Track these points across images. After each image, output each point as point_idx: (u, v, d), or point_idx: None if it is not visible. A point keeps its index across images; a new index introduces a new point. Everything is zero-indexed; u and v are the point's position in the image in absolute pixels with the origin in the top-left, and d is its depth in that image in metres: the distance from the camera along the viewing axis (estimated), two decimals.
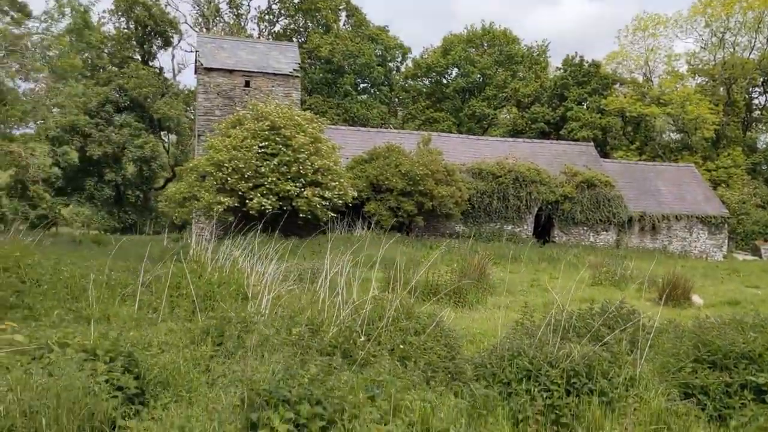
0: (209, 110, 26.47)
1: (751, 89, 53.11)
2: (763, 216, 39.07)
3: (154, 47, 47.63)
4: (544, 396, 5.62)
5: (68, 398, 3.78)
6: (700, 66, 51.70)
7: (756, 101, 55.06)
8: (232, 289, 7.04)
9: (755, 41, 48.10)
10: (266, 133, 22.86)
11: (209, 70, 26.33)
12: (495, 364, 5.96)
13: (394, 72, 57.18)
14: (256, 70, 26.82)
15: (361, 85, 53.80)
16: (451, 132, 43.75)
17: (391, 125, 51.83)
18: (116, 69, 44.68)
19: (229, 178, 22.27)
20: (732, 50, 48.98)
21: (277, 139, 22.87)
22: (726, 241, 32.99)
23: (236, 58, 27.13)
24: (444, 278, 12.41)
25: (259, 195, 22.33)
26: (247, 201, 22.42)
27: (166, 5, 47.54)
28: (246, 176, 22.33)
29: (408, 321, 6.82)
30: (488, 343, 8.24)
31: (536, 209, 29.90)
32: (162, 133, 49.26)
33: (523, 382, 5.75)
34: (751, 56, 48.54)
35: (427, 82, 57.09)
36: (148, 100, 43.24)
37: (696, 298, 13.97)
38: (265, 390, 4.09)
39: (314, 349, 5.40)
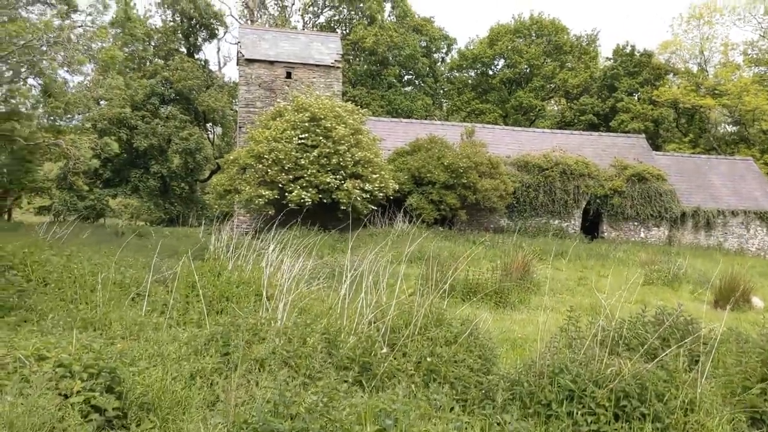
0: (250, 102, 26.27)
1: None
2: None
3: (200, 40, 47.91)
4: (589, 421, 5.01)
5: (29, 425, 3.32)
6: (758, 55, 49.52)
7: None
8: (252, 290, 6.55)
9: None
10: (306, 124, 22.52)
11: (250, 61, 26.12)
12: (533, 383, 5.35)
13: (439, 63, 56.42)
14: (297, 61, 26.50)
15: (406, 77, 53.22)
16: (496, 124, 42.88)
17: (435, 117, 51.09)
18: (162, 62, 45.10)
19: (269, 170, 22.02)
20: None
21: (317, 130, 22.51)
22: None
23: (277, 49, 26.85)
24: (485, 276, 11.81)
25: (298, 187, 22.02)
26: (286, 193, 22.14)
27: None
28: (286, 168, 22.04)
29: (438, 328, 6.26)
30: (529, 350, 7.66)
31: (584, 204, 28.93)
32: (207, 125, 49.63)
33: (564, 404, 5.13)
34: None
35: (472, 74, 56.18)
36: (193, 92, 43.49)
37: (756, 301, 13.09)
38: (251, 423, 3.57)
39: (329, 363, 4.90)
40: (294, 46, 27.22)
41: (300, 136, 22.44)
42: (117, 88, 26.47)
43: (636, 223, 29.11)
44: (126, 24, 27.02)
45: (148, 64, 45.51)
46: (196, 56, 48.20)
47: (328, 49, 27.43)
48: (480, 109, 50.99)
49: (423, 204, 25.18)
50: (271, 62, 26.34)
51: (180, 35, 46.92)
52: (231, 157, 23.93)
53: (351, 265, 11.66)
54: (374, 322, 6.00)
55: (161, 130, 41.32)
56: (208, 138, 48.18)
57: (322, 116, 22.68)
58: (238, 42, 27.23)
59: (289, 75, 26.55)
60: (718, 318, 11.68)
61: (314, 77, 26.66)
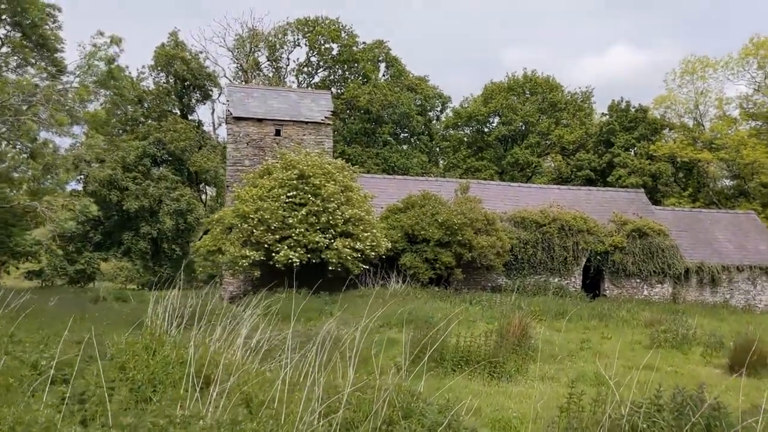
0: (238, 160, 25.65)
1: None
2: None
3: (193, 101, 47.89)
4: None
5: None
6: (753, 109, 49.38)
7: None
8: (195, 370, 5.51)
9: None
10: (294, 182, 21.80)
11: (238, 119, 25.61)
12: None
13: (435, 121, 56.41)
14: (286, 119, 26.00)
15: (401, 135, 53.08)
16: (492, 180, 42.29)
17: (432, 175, 50.66)
18: (155, 123, 44.88)
19: (254, 230, 21.16)
20: None
21: (306, 188, 21.78)
22: None
23: (266, 106, 26.40)
24: (477, 341, 10.79)
25: (286, 247, 21.13)
26: (273, 254, 21.23)
27: (204, 59, 47.87)
28: (272, 228, 21.19)
29: (408, 420, 5.25)
30: None
31: (584, 260, 27.98)
32: (201, 185, 49.14)
33: None
34: None
35: (468, 131, 56.11)
36: (186, 153, 43.12)
37: None
38: None
39: None
40: (283, 104, 26.78)
41: (288, 194, 21.69)
42: (97, 147, 25.89)
43: (638, 280, 28.09)
44: (109, 83, 26.67)
45: (140, 126, 45.29)
46: (190, 117, 48.07)
47: (318, 106, 26.98)
48: (476, 166, 50.64)
49: (417, 263, 24.24)
50: (260, 120, 25.83)
51: (173, 97, 46.86)
52: (216, 217, 23.15)
53: (326, 333, 10.65)
54: (325, 416, 4.93)
55: (152, 191, 40.73)
56: (201, 199, 47.53)
57: (311, 173, 21.98)
58: (226, 100, 26.80)
59: (278, 132, 26.00)
60: (735, 387, 10.62)
61: (304, 134, 26.11)
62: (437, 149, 56.32)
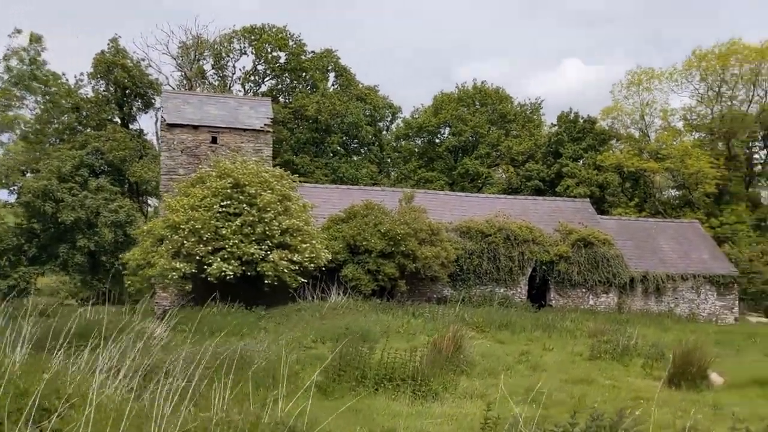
0: (172, 169, 24.56)
1: (751, 143, 51.53)
2: None
3: (134, 109, 46.29)
4: None
5: None
6: (697, 120, 50.25)
7: (757, 156, 53.46)
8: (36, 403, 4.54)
9: (753, 94, 46.71)
10: (228, 191, 20.85)
11: (172, 126, 24.54)
12: None
13: (385, 132, 55.90)
14: (223, 126, 25.03)
15: (352, 146, 52.39)
16: (441, 190, 41.85)
17: (382, 185, 50.08)
18: (94, 132, 43.18)
19: (185, 242, 20.11)
20: (729, 104, 47.58)
21: (241, 197, 20.85)
22: (737, 302, 30.52)
23: (203, 113, 25.39)
24: (403, 358, 10.03)
25: (219, 260, 20.13)
26: (205, 267, 20.21)
27: (146, 67, 46.37)
28: (205, 239, 20.18)
29: None
30: None
31: (530, 270, 27.60)
32: (142, 197, 47.52)
33: None
34: (750, 109, 47.11)
35: (418, 142, 55.77)
36: (126, 163, 41.56)
37: (715, 377, 11.59)
38: None
39: None
40: (221, 110, 25.80)
41: (221, 203, 20.73)
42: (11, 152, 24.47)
43: (584, 290, 27.82)
44: (31, 85, 25.25)
45: (78, 134, 43.54)
46: (131, 126, 46.45)
47: (257, 113, 26.08)
48: (427, 177, 50.21)
49: (359, 274, 23.47)
50: (195, 127, 24.81)
51: (113, 105, 45.20)
52: (146, 228, 22.00)
53: (234, 352, 9.80)
54: None
55: (89, 202, 39.01)
56: (142, 210, 45.89)
57: (246, 182, 21.07)
58: (161, 106, 25.71)
59: (215, 140, 25.01)
60: (674, 400, 10.13)
61: (242, 142, 25.17)
62: (388, 160, 55.79)
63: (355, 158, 51.04)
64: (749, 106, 47.09)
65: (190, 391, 5.79)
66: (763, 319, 30.65)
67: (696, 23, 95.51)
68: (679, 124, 50.20)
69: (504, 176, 55.31)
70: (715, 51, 46.02)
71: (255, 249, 20.43)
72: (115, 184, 41.63)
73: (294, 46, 49.28)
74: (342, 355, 9.92)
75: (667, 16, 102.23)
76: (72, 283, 43.26)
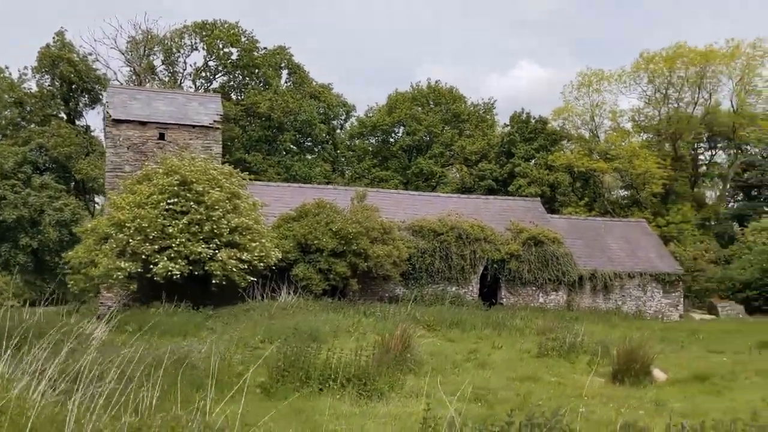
0: (118, 165, 23.93)
1: (696, 145, 52.93)
2: (716, 273, 37.71)
3: (81, 105, 45.09)
4: None
5: None
6: (645, 122, 51.39)
7: (702, 156, 54.93)
8: None
9: (698, 96, 47.97)
10: (175, 188, 20.38)
11: (118, 122, 23.91)
12: None
13: (339, 131, 55.64)
14: (171, 122, 24.49)
15: (305, 144, 51.97)
16: (395, 189, 41.83)
17: (336, 184, 49.84)
18: (38, 127, 41.90)
19: (131, 240, 19.59)
20: (676, 106, 48.76)
21: (188, 195, 20.40)
22: (681, 299, 31.27)
23: (150, 109, 24.80)
24: (348, 357, 9.89)
25: (165, 259, 19.65)
26: (151, 266, 19.71)
27: (94, 62, 45.18)
28: (151, 237, 19.68)
29: None
30: None
31: (481, 269, 27.77)
32: (89, 195, 46.31)
33: None
34: (695, 111, 48.35)
35: (373, 141, 55.70)
36: (72, 160, 40.47)
37: (657, 373, 11.76)
38: None
39: None
40: (169, 106, 25.25)
41: (168, 201, 20.26)
42: None
43: (534, 288, 28.12)
44: None
45: (21, 130, 42.18)
46: (78, 122, 45.27)
47: (206, 109, 25.60)
48: (381, 176, 50.19)
49: (310, 273, 23.23)
50: (143, 123, 24.22)
51: (59, 100, 43.95)
52: (89, 227, 21.35)
53: (171, 353, 9.53)
54: None
55: (33, 200, 37.90)
56: (89, 209, 44.72)
57: (194, 179, 20.63)
58: (106, 102, 25.04)
59: (162, 136, 24.45)
60: (617, 396, 10.23)
61: (191, 139, 24.67)
62: (342, 159, 55.59)
63: (309, 157, 50.65)
64: (695, 108, 48.34)
65: (116, 395, 5.54)
66: (707, 316, 31.45)
67: (647, 26, 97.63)
68: (628, 125, 51.31)
69: (458, 176, 55.67)
70: (662, 54, 47.09)
71: (203, 248, 20.03)
72: (60, 181, 40.57)
73: (246, 42, 48.63)
74: (286, 355, 9.73)
75: (621, 17, 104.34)
76: (15, 284, 41.90)
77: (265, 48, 49.38)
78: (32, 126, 42.42)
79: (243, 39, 48.60)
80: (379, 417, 8.01)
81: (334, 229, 23.32)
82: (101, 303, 23.44)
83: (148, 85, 46.79)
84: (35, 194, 38.14)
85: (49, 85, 43.57)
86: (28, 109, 42.82)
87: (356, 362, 9.63)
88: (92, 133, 45.15)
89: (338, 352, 9.87)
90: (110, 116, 24.00)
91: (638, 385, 11.00)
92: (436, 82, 54.59)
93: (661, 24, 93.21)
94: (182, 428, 4.78)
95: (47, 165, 40.76)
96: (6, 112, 41.77)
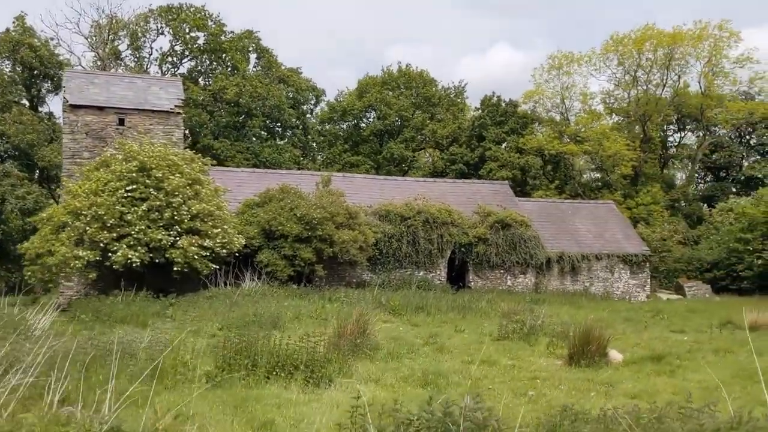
0: (77, 152, 23.35)
1: (666, 126, 53.29)
2: (684, 253, 38.11)
3: (43, 91, 44.08)
4: None
5: None
6: (615, 104, 51.59)
7: (671, 138, 55.36)
8: None
9: (667, 78, 48.19)
10: (134, 174, 19.94)
11: (75, 107, 23.29)
12: None
13: (309, 115, 55.07)
14: (131, 107, 23.92)
15: (275, 129, 51.33)
16: (368, 174, 41.56)
17: (302, 170, 49.44)
18: None
19: (88, 228, 19.15)
20: (645, 88, 48.94)
21: (147, 181, 19.97)
22: (648, 280, 31.52)
23: (109, 93, 24.21)
24: (299, 344, 9.67)
25: (124, 246, 19.24)
26: (110, 254, 19.30)
27: (55, 47, 44.17)
28: (108, 225, 19.25)
29: None
30: None
31: (449, 253, 27.69)
32: (55, 183, 45.37)
33: None
34: (664, 93, 48.59)
35: (344, 126, 55.24)
36: (34, 147, 39.57)
37: (614, 354, 11.72)
38: None
39: None
40: (128, 91, 24.67)
41: (126, 188, 19.81)
42: None
43: (502, 271, 28.13)
44: None
45: None
46: (40, 109, 44.28)
47: (167, 93, 25.06)
48: (352, 161, 49.82)
49: (275, 260, 22.96)
50: (101, 108, 23.63)
51: (20, 86, 42.90)
52: (45, 216, 20.81)
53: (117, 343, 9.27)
54: None
55: None
56: (53, 196, 43.82)
57: (153, 165, 20.19)
58: (63, 86, 24.39)
59: (122, 122, 23.88)
60: (570, 378, 10.15)
61: (151, 124, 24.14)
62: (313, 144, 55.12)
63: (280, 142, 50.04)
64: (663, 89, 48.59)
65: (21, 389, 5.28)
66: (674, 296, 31.75)
67: (615, 6, 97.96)
68: (599, 108, 51.44)
69: (429, 160, 55.54)
70: (631, 36, 47.18)
71: (163, 235, 19.65)
72: (23, 169, 39.70)
73: (213, 26, 47.87)
74: (232, 342, 9.50)
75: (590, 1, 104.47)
76: None
77: (232, 32, 48.70)
78: None
79: (210, 23, 47.83)
80: (323, 404, 7.81)
81: (298, 215, 23.04)
82: (61, 293, 22.95)
83: (113, 70, 45.87)
84: None
85: (9, 71, 42.50)
86: None
87: (305, 349, 9.40)
88: (56, 120, 44.10)
89: (287, 339, 9.65)
90: (67, 101, 23.39)
91: (594, 366, 10.93)
92: (407, 65, 54.28)
93: (631, 4, 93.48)
94: (65, 426, 4.51)
95: (9, 153, 39.81)
96: None
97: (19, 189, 37.64)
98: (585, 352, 11.21)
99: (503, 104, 49.77)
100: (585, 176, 52.66)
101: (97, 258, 19.42)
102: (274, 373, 9.05)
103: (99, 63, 47.07)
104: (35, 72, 42.80)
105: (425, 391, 8.74)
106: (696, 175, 53.90)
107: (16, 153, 39.97)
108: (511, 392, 8.88)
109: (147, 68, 48.49)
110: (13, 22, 42.29)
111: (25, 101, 43.58)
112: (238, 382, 8.87)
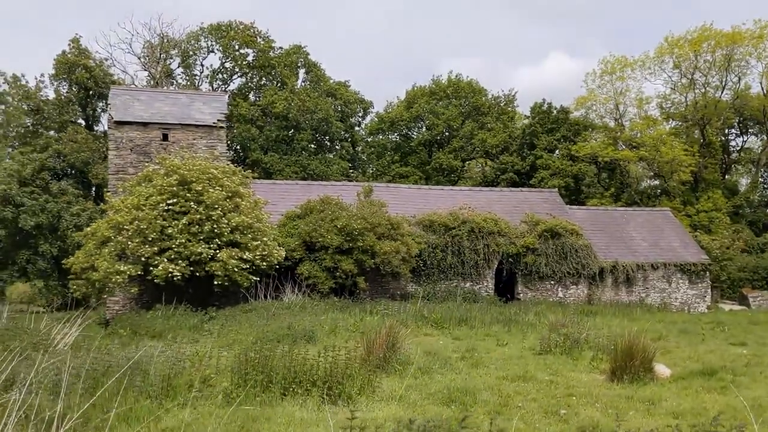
0: (122, 168, 23.69)
1: (726, 130, 51.15)
2: (749, 262, 36.25)
3: (98, 110, 45.24)
4: None
5: None
6: (671, 108, 49.81)
7: (733, 143, 53.12)
8: None
9: (726, 80, 46.27)
10: (174, 188, 19.99)
11: (120, 123, 23.65)
12: None
13: (357, 128, 55.04)
14: (174, 122, 24.14)
15: (324, 142, 51.43)
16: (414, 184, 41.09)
17: (348, 181, 49.31)
18: (56, 134, 42.16)
19: (130, 242, 19.26)
20: (703, 90, 47.10)
21: (187, 195, 20.00)
22: (709, 290, 29.99)
23: (153, 110, 24.50)
24: (315, 360, 9.23)
25: (165, 260, 19.29)
26: (151, 268, 19.36)
27: (110, 67, 45.35)
28: (150, 239, 19.33)
29: None
30: None
31: (496, 263, 26.92)
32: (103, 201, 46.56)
33: None
34: (724, 96, 46.68)
35: (393, 137, 55.01)
36: (89, 165, 40.58)
37: (661, 368, 10.90)
38: None
39: None
40: (172, 107, 24.91)
41: (167, 202, 19.88)
42: None
43: (553, 282, 27.18)
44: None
45: (40, 137, 42.46)
46: (96, 127, 45.43)
47: (210, 108, 25.22)
48: (401, 172, 49.50)
49: (316, 272, 22.68)
50: (145, 124, 23.92)
51: (76, 106, 44.14)
52: (89, 230, 21.08)
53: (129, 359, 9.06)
54: None
55: (51, 206, 38.02)
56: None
57: (193, 179, 20.22)
58: (108, 104, 24.81)
59: (165, 137, 24.12)
60: (609, 395, 9.43)
61: (194, 139, 24.30)
62: (363, 156, 55.03)
63: (329, 155, 50.08)
64: (722, 92, 46.67)
65: (23, 409, 5.01)
66: (737, 307, 30.14)
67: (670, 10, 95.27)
68: (655, 113, 49.75)
69: (480, 169, 54.75)
70: (687, 37, 45.54)
71: (203, 248, 19.62)
72: (78, 187, 40.67)
73: (262, 42, 48.39)
74: (250, 357, 9.15)
75: (645, 6, 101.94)
76: (35, 290, 42.42)
77: (281, 48, 49.13)
78: (51, 133, 42.69)
79: (259, 40, 48.37)
80: (337, 425, 7.35)
81: (338, 226, 22.74)
82: (108, 308, 23.21)
83: (164, 88, 46.78)
84: (53, 200, 38.27)
85: (66, 92, 43.79)
86: (46, 116, 43.07)
87: (324, 364, 8.97)
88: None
89: (304, 354, 9.24)
90: (112, 118, 23.76)
91: (638, 382, 10.17)
92: (457, 75, 53.74)
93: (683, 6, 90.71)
94: None
95: (65, 171, 40.92)
96: (25, 120, 42.10)
97: (74, 206, 38.56)
98: (628, 366, 10.45)
99: (554, 111, 48.65)
100: (643, 184, 50.88)
101: (139, 272, 19.52)
102: (291, 389, 8.64)
103: (152, 82, 48.09)
104: (90, 92, 43.94)
105: (449, 410, 8.22)
106: (760, 180, 51.47)
107: (72, 171, 41.02)
108: (541, 411, 8.27)
109: (198, 86, 49.30)
110: (69, 45, 43.54)
111: (81, 120, 44.79)
112: (254, 400, 8.50)
